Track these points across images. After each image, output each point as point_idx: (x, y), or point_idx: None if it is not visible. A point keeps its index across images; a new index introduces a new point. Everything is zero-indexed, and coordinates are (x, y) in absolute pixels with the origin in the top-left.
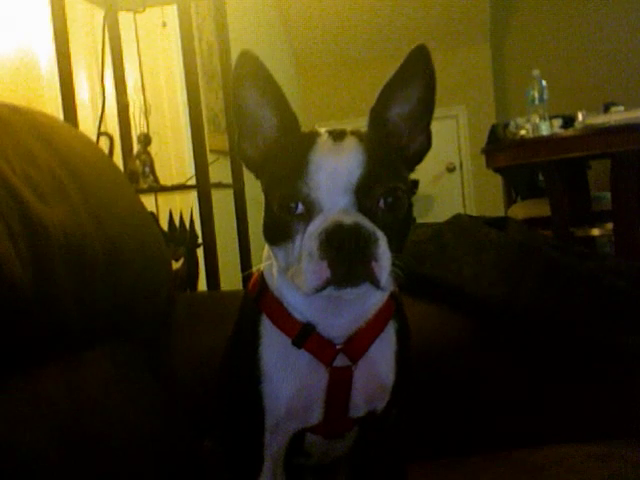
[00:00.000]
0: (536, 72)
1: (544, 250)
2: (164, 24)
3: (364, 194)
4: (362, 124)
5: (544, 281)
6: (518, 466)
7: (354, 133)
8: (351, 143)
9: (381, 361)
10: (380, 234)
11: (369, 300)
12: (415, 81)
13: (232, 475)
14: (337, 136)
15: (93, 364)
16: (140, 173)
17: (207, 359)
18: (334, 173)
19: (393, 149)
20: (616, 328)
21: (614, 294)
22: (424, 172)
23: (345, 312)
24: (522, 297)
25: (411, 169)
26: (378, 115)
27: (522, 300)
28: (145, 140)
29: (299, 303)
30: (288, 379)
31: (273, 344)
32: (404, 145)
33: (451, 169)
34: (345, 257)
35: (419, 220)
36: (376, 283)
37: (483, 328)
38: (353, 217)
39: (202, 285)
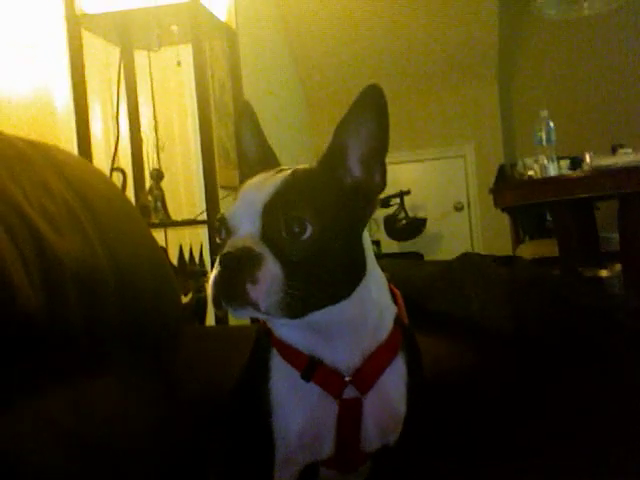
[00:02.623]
0: (544, 113)
1: (550, 285)
2: (179, 63)
3: (268, 222)
4: None
5: (551, 316)
6: None
7: (297, 170)
8: (278, 177)
9: (392, 393)
10: (269, 260)
11: (363, 332)
12: (367, 120)
13: None
14: (277, 171)
15: (101, 390)
16: (152, 208)
17: (213, 392)
18: (247, 202)
19: (342, 186)
20: (623, 364)
21: (621, 331)
22: (432, 210)
23: (339, 345)
24: (530, 332)
25: (369, 206)
26: (333, 153)
27: (530, 335)
28: (158, 175)
29: (288, 335)
30: (298, 412)
31: (282, 377)
32: (359, 182)
33: (459, 208)
34: (221, 278)
35: (427, 257)
36: (255, 306)
37: (492, 360)
38: (245, 242)
39: (210, 319)
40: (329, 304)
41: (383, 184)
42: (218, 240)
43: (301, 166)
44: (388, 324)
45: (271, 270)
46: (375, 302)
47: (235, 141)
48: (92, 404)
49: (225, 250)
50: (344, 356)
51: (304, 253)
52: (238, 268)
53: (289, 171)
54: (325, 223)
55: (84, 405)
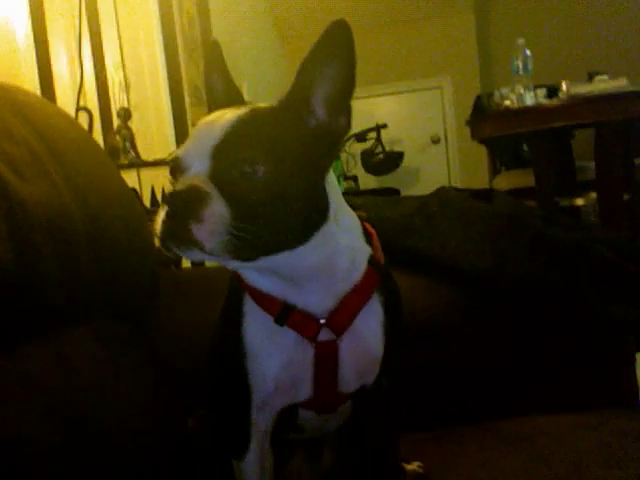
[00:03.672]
0: (521, 41)
1: (530, 221)
2: None
3: (218, 161)
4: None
5: (531, 252)
6: (505, 436)
7: (255, 108)
8: (233, 115)
9: (367, 334)
10: (215, 199)
11: (333, 277)
12: (334, 59)
13: (219, 452)
14: (234, 110)
15: (79, 341)
16: (121, 148)
17: (193, 335)
18: (198, 141)
19: (304, 127)
20: (601, 297)
21: (599, 264)
22: (409, 144)
23: (310, 289)
24: (509, 268)
25: (333, 149)
26: (296, 92)
27: (509, 271)
28: (125, 114)
29: (257, 281)
30: (274, 356)
31: (256, 322)
32: (323, 125)
33: (436, 140)
34: (167, 218)
35: (404, 192)
36: (200, 247)
37: (470, 298)
38: (193, 181)
39: (187, 261)
40: (283, 249)
41: (348, 126)
42: (172, 181)
43: (261, 105)
44: (361, 266)
45: (216, 209)
46: (344, 247)
47: (204, 81)
48: (73, 361)
49: (171, 190)
50: (317, 300)
51: (255, 195)
52: (183, 207)
53: (246, 109)
54: (280, 165)
55: (66, 364)
